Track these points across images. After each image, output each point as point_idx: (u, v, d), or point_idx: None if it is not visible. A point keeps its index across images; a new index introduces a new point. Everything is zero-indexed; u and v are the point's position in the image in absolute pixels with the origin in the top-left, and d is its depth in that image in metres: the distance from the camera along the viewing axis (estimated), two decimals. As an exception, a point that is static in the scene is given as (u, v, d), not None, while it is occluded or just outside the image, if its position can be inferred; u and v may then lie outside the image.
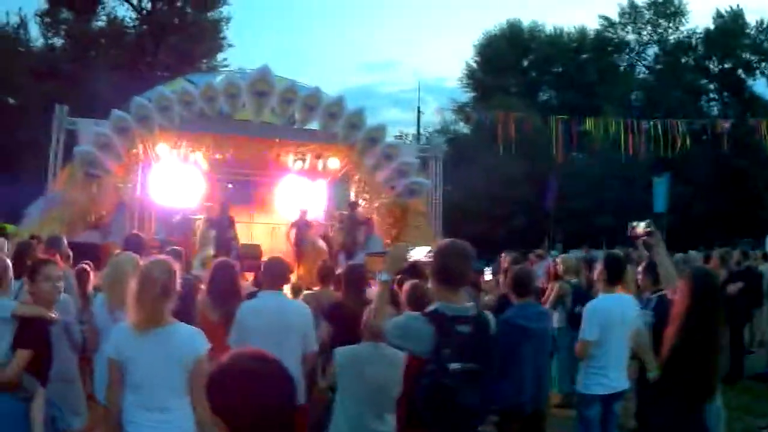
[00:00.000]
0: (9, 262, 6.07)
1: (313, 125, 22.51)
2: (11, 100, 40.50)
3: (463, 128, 58.47)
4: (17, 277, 6.20)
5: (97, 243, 17.62)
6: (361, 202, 22.89)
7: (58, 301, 6.09)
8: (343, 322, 7.03)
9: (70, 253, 9.92)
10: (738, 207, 48.22)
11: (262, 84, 20.49)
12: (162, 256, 5.41)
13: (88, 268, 8.91)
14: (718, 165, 47.47)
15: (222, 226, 19.82)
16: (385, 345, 5.24)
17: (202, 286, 7.88)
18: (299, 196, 22.68)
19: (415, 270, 7.23)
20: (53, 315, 5.82)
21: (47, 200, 20.13)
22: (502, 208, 43.88)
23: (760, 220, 45.43)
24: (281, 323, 6.66)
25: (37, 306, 5.79)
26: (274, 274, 7.19)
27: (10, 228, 17.90)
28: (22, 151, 34.98)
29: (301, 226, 20.73)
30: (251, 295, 7.68)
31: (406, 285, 6.24)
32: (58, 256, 7.94)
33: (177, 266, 5.05)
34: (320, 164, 22.96)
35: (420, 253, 5.32)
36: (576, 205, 44.60)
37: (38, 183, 22.09)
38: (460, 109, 56.50)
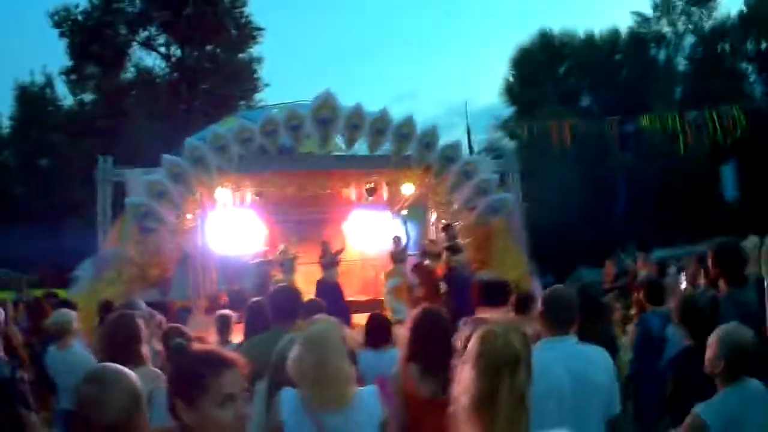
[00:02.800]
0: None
1: (379, 151, 20.63)
2: (45, 161, 39.74)
3: (509, 144, 57.09)
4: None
5: (160, 301, 16.68)
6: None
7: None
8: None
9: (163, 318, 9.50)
10: None
11: (326, 110, 18.60)
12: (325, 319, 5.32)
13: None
14: None
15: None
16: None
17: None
18: (374, 229, 21.28)
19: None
20: None
21: (98, 260, 18.59)
22: (568, 218, 42.53)
23: None
24: (581, 380, 5.42)
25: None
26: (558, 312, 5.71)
27: (62, 294, 17.02)
28: (65, 214, 34.06)
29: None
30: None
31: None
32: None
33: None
34: (393, 192, 21.48)
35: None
36: (642, 206, 43.15)
37: (85, 244, 20.61)
38: (514, 124, 55.38)
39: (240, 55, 47.97)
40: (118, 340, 5.75)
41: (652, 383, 8.13)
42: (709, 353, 5.50)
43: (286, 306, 6.50)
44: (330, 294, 16.53)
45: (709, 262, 7.50)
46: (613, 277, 21.42)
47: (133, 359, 5.38)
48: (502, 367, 3.38)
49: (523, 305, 7.94)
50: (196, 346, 3.67)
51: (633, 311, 10.81)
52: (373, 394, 4.87)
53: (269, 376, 5.51)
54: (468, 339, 3.93)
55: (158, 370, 5.61)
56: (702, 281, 9.37)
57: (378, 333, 8.28)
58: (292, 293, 6.83)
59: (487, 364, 3.41)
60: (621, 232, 37.52)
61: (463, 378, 3.54)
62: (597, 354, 5.60)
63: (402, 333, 6.23)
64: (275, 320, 6.48)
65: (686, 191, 43.25)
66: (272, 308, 6.58)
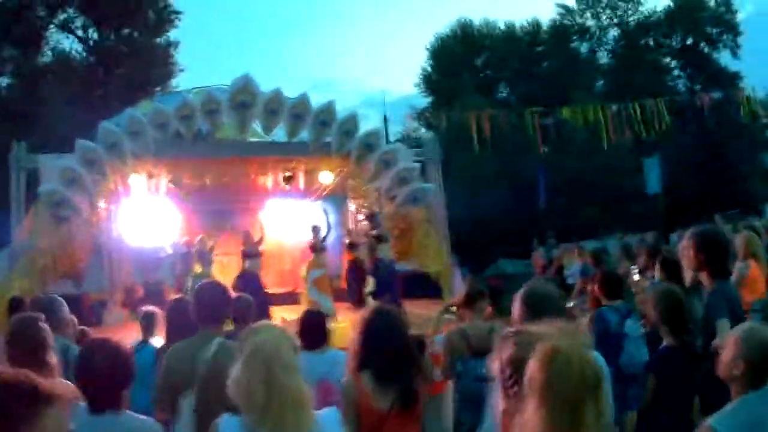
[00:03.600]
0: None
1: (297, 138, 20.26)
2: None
3: (425, 134, 56.38)
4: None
5: (73, 294, 15.97)
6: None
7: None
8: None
9: (74, 318, 8.22)
10: (721, 181, 47.67)
11: (244, 95, 18.22)
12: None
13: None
14: (697, 141, 47.04)
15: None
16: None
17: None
18: (292, 219, 20.89)
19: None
20: None
21: (13, 252, 18.08)
22: (487, 210, 42.63)
23: (744, 192, 46.53)
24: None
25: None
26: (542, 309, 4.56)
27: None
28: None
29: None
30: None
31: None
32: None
33: None
34: (311, 180, 21.14)
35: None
36: (561, 197, 43.34)
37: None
38: (432, 115, 55.27)
39: (157, 40, 47.18)
40: (21, 348, 4.98)
41: (612, 381, 7.68)
42: (727, 355, 4.53)
43: (213, 305, 5.66)
44: (251, 286, 16.00)
45: (690, 251, 6.65)
46: (542, 268, 21.46)
47: (40, 370, 4.65)
48: (583, 395, 2.79)
49: (472, 299, 7.52)
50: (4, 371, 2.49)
51: (587, 305, 10.46)
52: (335, 420, 3.98)
53: (196, 390, 4.98)
54: (511, 361, 3.39)
55: (68, 383, 4.87)
56: (657, 274, 9.01)
57: (314, 332, 7.18)
58: (219, 290, 5.92)
59: (563, 394, 2.78)
60: (541, 224, 37.59)
61: (529, 418, 2.86)
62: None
63: (351, 336, 5.33)
64: (201, 322, 5.59)
65: (607, 184, 43.51)
66: (197, 308, 5.65)
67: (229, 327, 6.67)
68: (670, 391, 5.87)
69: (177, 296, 7.85)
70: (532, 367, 2.88)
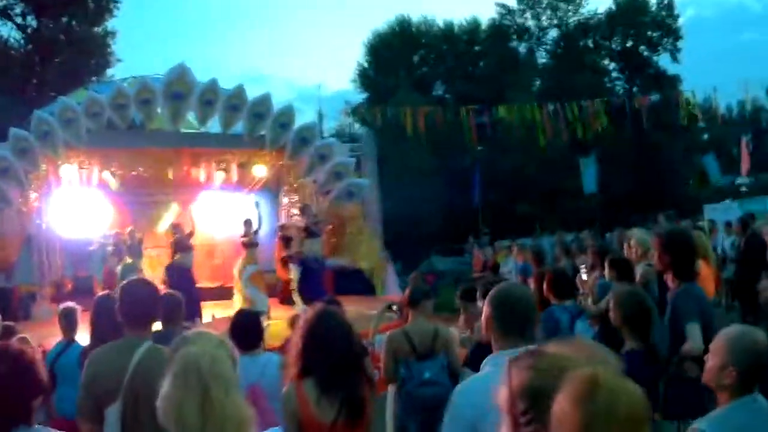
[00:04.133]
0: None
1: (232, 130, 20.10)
2: None
3: (359, 130, 56.17)
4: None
5: (2, 286, 16.56)
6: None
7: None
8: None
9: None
10: (657, 182, 48.54)
11: (179, 85, 18.07)
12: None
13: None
14: (633, 143, 47.91)
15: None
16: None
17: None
18: (223, 212, 20.67)
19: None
20: None
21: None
22: (421, 207, 42.64)
23: (680, 193, 47.59)
24: None
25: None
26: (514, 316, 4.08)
27: None
28: None
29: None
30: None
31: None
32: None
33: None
34: (244, 173, 20.81)
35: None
36: (496, 195, 43.92)
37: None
38: (367, 111, 55.15)
39: (95, 29, 46.54)
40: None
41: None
42: (715, 361, 4.14)
43: (141, 306, 5.00)
44: (181, 281, 15.58)
45: (654, 252, 6.65)
46: (482, 266, 21.54)
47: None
48: None
49: (416, 300, 7.17)
50: None
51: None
52: None
53: (122, 400, 4.48)
54: (526, 392, 2.63)
55: None
56: (607, 273, 8.81)
57: (248, 333, 6.52)
58: (148, 289, 5.21)
59: None
60: (475, 221, 37.78)
61: None
62: None
63: (292, 340, 4.91)
64: (128, 324, 4.95)
65: (543, 183, 43.85)
66: (123, 310, 4.99)
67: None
68: None
69: (103, 293, 6.97)
70: (563, 403, 2.26)
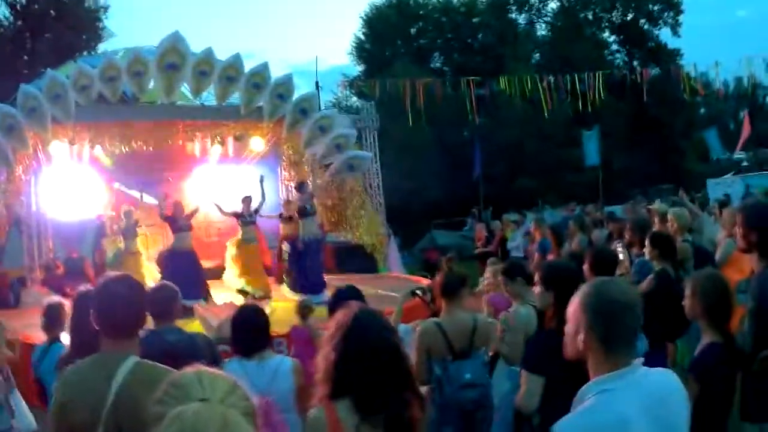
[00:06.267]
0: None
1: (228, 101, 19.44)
2: None
3: (356, 103, 55.49)
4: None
5: None
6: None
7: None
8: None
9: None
10: (657, 156, 48.62)
11: (173, 55, 17.25)
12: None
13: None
14: (634, 116, 48.02)
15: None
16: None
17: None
18: (221, 188, 19.80)
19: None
20: None
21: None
22: (420, 180, 42.21)
23: (679, 168, 48.10)
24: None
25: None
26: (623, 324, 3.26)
27: None
28: None
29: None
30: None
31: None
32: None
33: None
34: (241, 146, 19.92)
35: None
36: (496, 169, 43.62)
37: None
38: (365, 83, 54.65)
39: (86, 4, 46.16)
40: None
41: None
42: None
43: (123, 312, 3.89)
44: (183, 264, 14.89)
45: (737, 228, 5.59)
46: (484, 241, 21.18)
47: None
48: None
49: (453, 289, 6.48)
50: None
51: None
52: None
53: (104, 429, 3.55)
54: None
55: None
56: (647, 251, 7.97)
57: (252, 335, 5.71)
58: (130, 290, 4.00)
59: None
60: (475, 195, 37.37)
61: None
62: (672, 383, 3.27)
63: (321, 351, 3.73)
64: (107, 335, 3.90)
65: (543, 156, 43.66)
66: (100, 317, 3.91)
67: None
68: (713, 397, 4.79)
69: (84, 290, 5.27)
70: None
